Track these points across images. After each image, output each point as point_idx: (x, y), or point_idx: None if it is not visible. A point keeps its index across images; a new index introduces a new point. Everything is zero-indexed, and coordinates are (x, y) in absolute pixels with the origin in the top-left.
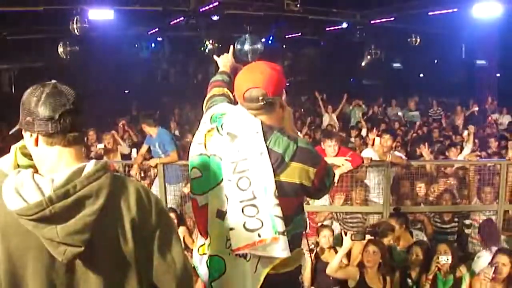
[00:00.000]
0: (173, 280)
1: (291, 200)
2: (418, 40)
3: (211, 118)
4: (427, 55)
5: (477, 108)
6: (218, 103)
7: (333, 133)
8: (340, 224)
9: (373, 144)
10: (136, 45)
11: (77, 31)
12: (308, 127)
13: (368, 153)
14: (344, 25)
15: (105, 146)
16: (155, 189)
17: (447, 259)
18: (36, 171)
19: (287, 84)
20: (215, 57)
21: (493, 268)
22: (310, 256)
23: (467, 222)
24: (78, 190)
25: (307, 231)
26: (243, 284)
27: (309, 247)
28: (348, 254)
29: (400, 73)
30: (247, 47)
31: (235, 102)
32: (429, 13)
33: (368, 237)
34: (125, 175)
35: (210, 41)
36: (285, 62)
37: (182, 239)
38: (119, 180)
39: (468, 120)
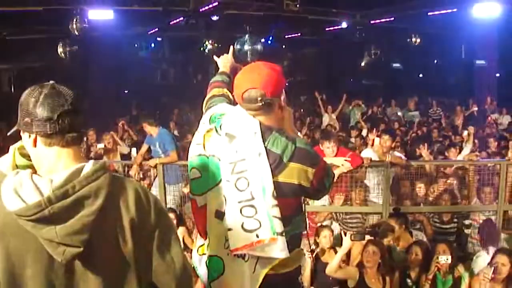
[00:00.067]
0: (172, 280)
1: (290, 201)
2: (418, 40)
3: (210, 118)
4: (426, 55)
5: (476, 108)
6: (217, 103)
7: (331, 134)
8: (339, 224)
9: (372, 145)
10: (136, 45)
11: (77, 31)
12: (307, 127)
13: (368, 153)
14: (344, 25)
15: (105, 146)
16: (155, 189)
17: (447, 259)
18: (35, 172)
19: (287, 84)
20: (215, 57)
21: (493, 268)
22: (311, 257)
23: (467, 222)
24: (77, 191)
25: (307, 231)
26: (242, 284)
27: (310, 247)
28: (348, 254)
29: (399, 73)
30: (246, 47)
31: (234, 103)
32: (429, 13)
33: (367, 237)
34: (124, 175)
35: (210, 41)
36: (285, 62)
37: (181, 240)
38: (118, 180)
39: (467, 120)
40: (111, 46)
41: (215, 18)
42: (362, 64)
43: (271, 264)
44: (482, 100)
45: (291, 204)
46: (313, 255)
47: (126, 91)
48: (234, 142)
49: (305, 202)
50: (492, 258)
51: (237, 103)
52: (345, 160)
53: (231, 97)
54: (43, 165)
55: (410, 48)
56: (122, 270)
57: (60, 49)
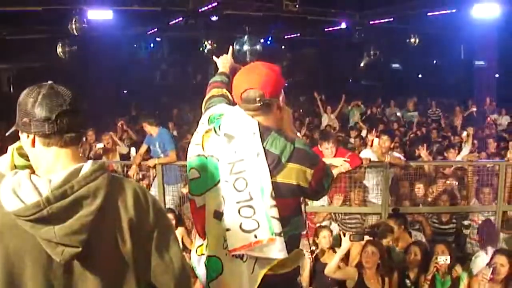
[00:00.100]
0: (171, 280)
1: (288, 201)
2: (417, 40)
3: (209, 119)
4: (426, 55)
5: (475, 109)
6: (216, 104)
7: (330, 135)
8: (338, 224)
9: (371, 145)
10: (135, 45)
11: (76, 31)
12: (306, 127)
13: (367, 154)
14: (343, 25)
15: (104, 146)
16: (154, 190)
17: (446, 260)
18: (33, 172)
19: (286, 84)
20: (214, 58)
21: (491, 268)
22: (311, 257)
23: (466, 222)
24: (76, 191)
25: (307, 232)
26: (240, 284)
27: (310, 248)
28: (347, 255)
29: (399, 74)
30: (246, 47)
31: (234, 103)
32: (428, 14)
33: (366, 237)
34: (123, 175)
35: (209, 42)
36: (284, 63)
37: (180, 240)
38: (116, 180)
39: (467, 121)
40: (110, 46)
41: (214, 18)
42: (362, 64)
43: (269, 265)
44: (481, 101)
45: (289, 204)
46: (313, 256)
47: (125, 91)
48: (233, 143)
49: (305, 203)
50: (491, 258)
51: (236, 104)
52: (344, 161)
53: (230, 97)
54: (42, 165)
55: (409, 49)
56: (121, 270)
57: (59, 49)
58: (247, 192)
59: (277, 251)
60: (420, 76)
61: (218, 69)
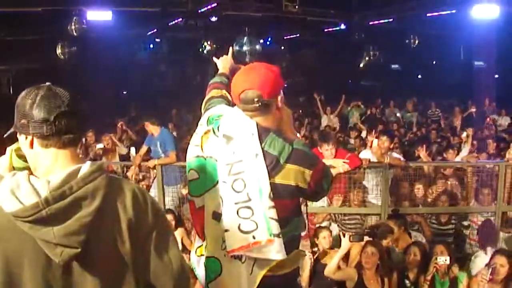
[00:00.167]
0: (170, 281)
1: (287, 202)
2: (417, 41)
3: (208, 120)
4: (425, 56)
5: (474, 109)
6: (216, 105)
7: (330, 137)
8: (338, 225)
9: (371, 146)
10: (135, 46)
11: (75, 32)
12: (306, 128)
13: (366, 154)
14: (343, 26)
15: (104, 146)
16: (154, 191)
17: (445, 260)
18: (31, 173)
19: (285, 85)
20: (214, 59)
21: (491, 269)
22: (311, 258)
23: (465, 223)
24: (74, 192)
25: (308, 233)
26: (239, 285)
27: (312, 249)
28: (347, 255)
29: (398, 74)
30: (245, 48)
31: (233, 104)
32: (427, 15)
33: (366, 238)
34: (123, 176)
35: (209, 42)
36: (283, 63)
37: (180, 241)
38: (115, 181)
39: (466, 121)
40: (109, 47)
41: (214, 19)
42: (361, 65)
43: (268, 266)
44: (480, 101)
45: (288, 205)
46: (314, 257)
47: (124, 92)
48: (231, 144)
49: (305, 204)
50: (491, 259)
51: (235, 104)
52: (344, 162)
53: (230, 98)
54: (40, 166)
55: (409, 49)
56: (120, 271)
57: (58, 50)
58: (245, 193)
59: (276, 252)
60: (419, 76)
61: (217, 70)
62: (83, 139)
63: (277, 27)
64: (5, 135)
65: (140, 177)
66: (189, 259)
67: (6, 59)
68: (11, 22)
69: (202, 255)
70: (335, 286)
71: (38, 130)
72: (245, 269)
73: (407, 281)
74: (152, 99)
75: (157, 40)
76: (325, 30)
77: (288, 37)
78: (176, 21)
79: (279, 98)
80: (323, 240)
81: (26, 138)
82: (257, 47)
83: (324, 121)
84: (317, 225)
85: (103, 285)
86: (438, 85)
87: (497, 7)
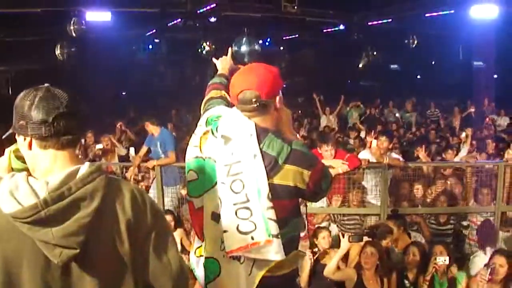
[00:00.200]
0: (169, 281)
1: (285, 203)
2: (416, 41)
3: (206, 120)
4: (424, 56)
5: (473, 110)
6: (215, 105)
7: (329, 138)
8: (337, 226)
9: (370, 146)
10: (134, 47)
11: (75, 33)
12: (305, 128)
13: (365, 155)
14: (342, 26)
15: (103, 147)
16: (153, 191)
17: (445, 260)
18: (30, 174)
19: (284, 85)
20: (213, 59)
21: (490, 269)
22: (311, 258)
23: (465, 223)
24: (73, 193)
25: (308, 233)
26: (238, 286)
27: (312, 249)
28: (346, 256)
29: (397, 75)
30: (244, 48)
31: (232, 105)
32: (426, 15)
33: (365, 238)
34: (122, 177)
35: (208, 43)
36: (283, 64)
37: (179, 242)
38: (114, 182)
39: (465, 122)
40: (109, 48)
41: (213, 19)
42: (360, 65)
43: (267, 266)
44: (479, 101)
45: (286, 206)
46: (314, 257)
47: (123, 93)
48: (230, 144)
49: (305, 204)
50: (490, 259)
51: (233, 105)
52: (343, 163)
53: (229, 99)
54: (39, 167)
55: (407, 49)
56: (119, 271)
57: (58, 51)
58: (244, 194)
59: (274, 252)
60: (418, 76)
61: (217, 70)
62: (82, 140)
63: (276, 28)
64: (3, 136)
65: (139, 177)
66: (188, 260)
67: (5, 59)
68: (10, 22)
69: (201, 255)
70: (335, 287)
71: (37, 131)
72: (244, 270)
73: (406, 281)
74: (152, 99)
75: (156, 40)
76: (324, 30)
77: (287, 37)
78: (175, 21)
79: (277, 98)
80: (323, 241)
81: (25, 139)
82: (256, 47)
83: (323, 121)
84: (317, 226)
85: (102, 286)
86: (437, 85)
87: (496, 7)
